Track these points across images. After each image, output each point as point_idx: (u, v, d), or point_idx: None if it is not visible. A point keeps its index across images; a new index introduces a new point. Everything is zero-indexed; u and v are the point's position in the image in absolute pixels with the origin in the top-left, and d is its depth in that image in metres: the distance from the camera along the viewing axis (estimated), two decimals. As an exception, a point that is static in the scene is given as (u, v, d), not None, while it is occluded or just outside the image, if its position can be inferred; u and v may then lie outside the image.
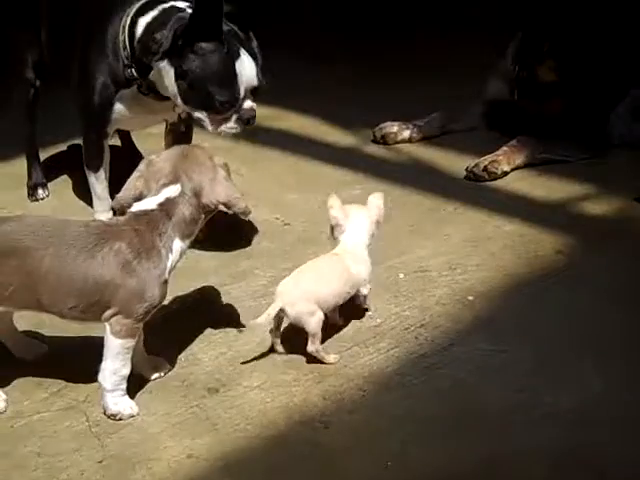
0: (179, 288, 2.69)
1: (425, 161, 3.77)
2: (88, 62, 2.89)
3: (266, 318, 2.40)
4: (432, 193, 3.42)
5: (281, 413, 2.29)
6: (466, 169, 3.54)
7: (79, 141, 3.66)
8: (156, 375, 2.43)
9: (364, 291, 2.60)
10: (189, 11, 2.72)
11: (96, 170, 3.06)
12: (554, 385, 2.36)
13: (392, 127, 3.95)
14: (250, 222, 3.13)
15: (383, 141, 3.92)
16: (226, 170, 2.36)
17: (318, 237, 3.11)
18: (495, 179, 3.51)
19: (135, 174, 2.37)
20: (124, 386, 2.29)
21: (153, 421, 2.28)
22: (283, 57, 4.25)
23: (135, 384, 2.36)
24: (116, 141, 3.59)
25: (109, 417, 2.29)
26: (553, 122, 3.71)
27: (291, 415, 2.28)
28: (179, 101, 2.77)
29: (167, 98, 2.87)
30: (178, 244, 2.28)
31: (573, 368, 2.43)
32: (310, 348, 2.44)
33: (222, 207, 2.31)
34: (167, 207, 2.27)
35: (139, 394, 2.37)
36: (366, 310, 2.67)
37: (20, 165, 3.62)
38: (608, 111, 3.75)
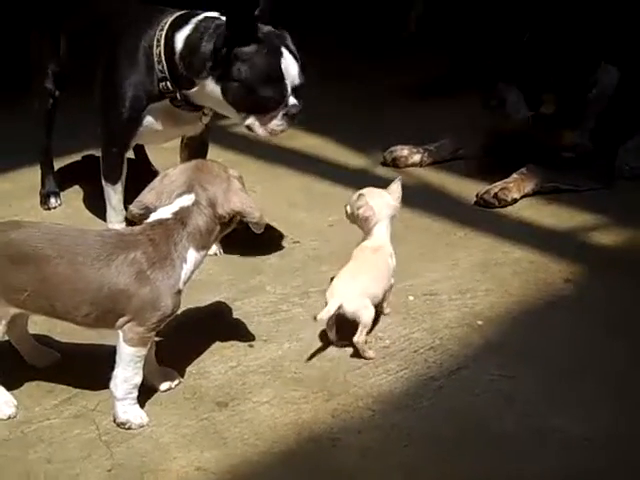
0: (191, 301, 2.71)
1: (435, 185, 3.80)
2: (117, 75, 2.91)
3: (327, 314, 2.50)
4: (442, 217, 3.45)
5: (290, 429, 2.30)
6: (476, 195, 3.57)
7: (93, 151, 3.72)
8: (167, 386, 2.44)
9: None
10: (223, 19, 2.76)
11: (114, 182, 3.08)
12: (561, 411, 2.37)
13: (403, 150, 3.98)
14: (260, 238, 3.15)
15: (393, 164, 3.95)
16: (241, 182, 2.39)
17: (328, 255, 3.14)
18: (505, 206, 3.54)
19: (148, 186, 2.40)
20: (135, 395, 2.30)
21: (163, 432, 2.29)
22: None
23: (146, 395, 2.37)
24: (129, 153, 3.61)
25: (119, 426, 2.30)
26: (562, 151, 3.74)
27: (300, 432, 2.30)
28: (231, 111, 2.81)
29: (198, 109, 2.91)
30: (193, 254, 2.30)
31: (581, 395, 2.44)
32: (358, 339, 2.55)
33: (237, 217, 2.33)
34: (181, 216, 2.29)
35: (149, 404, 2.38)
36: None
37: (34, 174, 3.65)
38: (617, 145, 3.78)
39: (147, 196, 2.36)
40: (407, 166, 3.95)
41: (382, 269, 2.69)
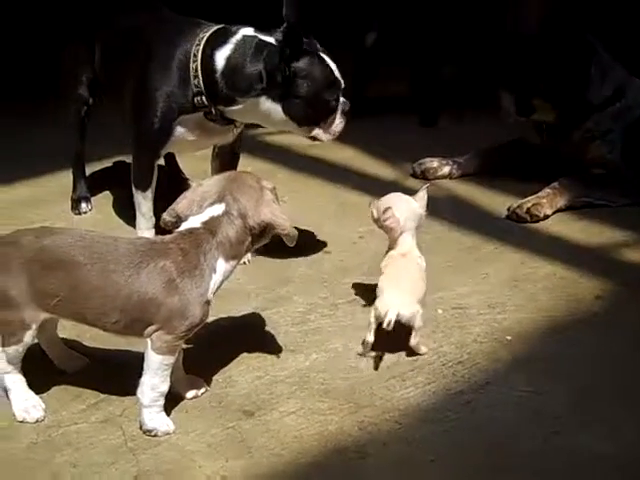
0: (218, 310, 2.71)
1: (464, 198, 3.79)
2: (150, 84, 2.94)
3: (389, 324, 2.53)
4: (472, 231, 3.43)
5: (316, 440, 2.30)
6: (508, 209, 3.55)
7: (124, 158, 3.74)
8: (193, 394, 2.45)
9: None
10: (261, 36, 2.82)
11: (144, 189, 3.10)
12: (589, 429, 2.35)
13: (432, 162, 3.98)
14: (289, 248, 3.15)
15: (423, 176, 3.94)
16: (274, 194, 2.39)
17: (356, 267, 3.14)
18: (537, 221, 3.52)
19: (182, 195, 2.40)
20: (161, 403, 2.31)
21: (189, 440, 2.29)
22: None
23: (172, 402, 2.37)
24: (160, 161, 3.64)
25: (145, 433, 2.31)
26: (591, 167, 3.72)
27: (326, 443, 2.29)
28: (292, 126, 2.89)
29: (231, 122, 2.93)
30: (222, 264, 2.30)
31: (608, 413, 2.41)
32: (413, 342, 2.61)
33: (269, 229, 2.33)
34: (211, 226, 2.30)
35: (175, 412, 2.38)
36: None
37: (65, 179, 3.68)
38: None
39: (179, 204, 2.37)
40: (436, 178, 3.94)
41: (418, 272, 2.72)
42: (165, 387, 2.29)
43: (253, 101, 2.83)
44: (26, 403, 2.35)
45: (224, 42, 2.85)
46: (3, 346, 2.31)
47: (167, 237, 2.33)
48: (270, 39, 2.83)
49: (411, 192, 3.76)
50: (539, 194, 3.58)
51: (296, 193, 3.72)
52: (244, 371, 2.57)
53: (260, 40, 2.82)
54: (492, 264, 3.20)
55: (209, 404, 2.43)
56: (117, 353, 2.54)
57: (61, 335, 2.53)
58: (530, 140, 3.94)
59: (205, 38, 2.87)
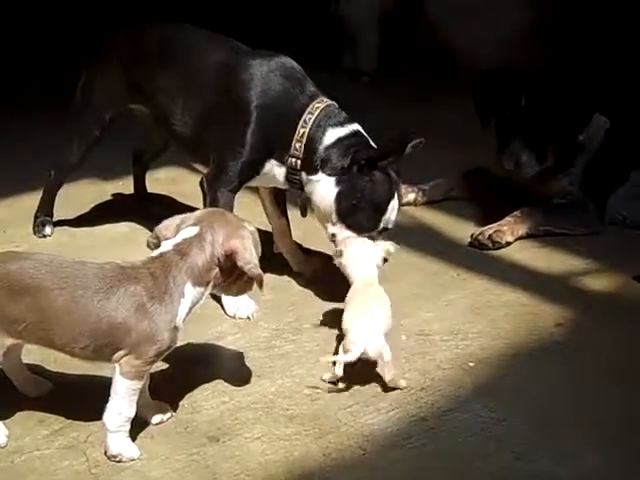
0: (185, 334, 2.69)
1: (429, 225, 3.83)
2: (249, 126, 3.00)
3: (350, 358, 2.53)
4: (436, 257, 3.47)
5: (281, 467, 2.31)
6: (471, 236, 3.60)
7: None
8: (159, 419, 2.44)
9: None
10: (367, 139, 3.01)
11: None
12: (551, 455, 2.38)
13: (398, 189, 4.00)
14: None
15: (388, 202, 3.97)
16: (253, 237, 2.39)
17: (322, 292, 3.15)
18: (499, 248, 3.56)
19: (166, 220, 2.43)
20: (127, 428, 2.30)
21: (153, 465, 2.29)
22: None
23: (137, 427, 2.37)
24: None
25: (109, 458, 2.30)
26: (553, 197, 3.78)
27: (291, 469, 2.30)
28: (327, 213, 2.99)
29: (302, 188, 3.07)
30: (190, 289, 2.31)
31: (570, 440, 2.45)
32: (389, 377, 2.59)
33: (235, 262, 2.32)
34: (181, 247, 2.31)
35: (141, 438, 2.38)
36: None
37: (31, 200, 3.67)
38: (608, 192, 3.82)
39: (160, 226, 2.39)
40: (402, 205, 3.95)
41: (385, 303, 2.72)
42: (132, 412, 2.29)
43: (324, 178, 2.97)
44: (-12, 429, 2.34)
45: (342, 125, 2.99)
46: (-33, 371, 2.30)
47: (138, 261, 2.34)
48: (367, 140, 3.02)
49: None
50: (501, 222, 3.63)
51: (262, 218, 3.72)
52: (210, 396, 2.57)
53: (365, 140, 3.00)
54: (455, 291, 3.24)
55: (174, 429, 2.43)
56: (82, 377, 2.53)
57: (25, 359, 2.51)
58: (492, 169, 3.99)
59: (320, 109, 2.98)
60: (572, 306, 3.14)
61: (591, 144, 3.79)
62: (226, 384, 2.62)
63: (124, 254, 3.24)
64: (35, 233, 3.58)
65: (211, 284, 2.35)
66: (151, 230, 2.44)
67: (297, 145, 2.98)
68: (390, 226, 3.04)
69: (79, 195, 3.88)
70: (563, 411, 2.58)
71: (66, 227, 3.64)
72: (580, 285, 3.33)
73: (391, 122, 4.31)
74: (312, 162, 2.98)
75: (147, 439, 2.39)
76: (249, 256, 2.33)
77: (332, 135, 2.97)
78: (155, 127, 3.36)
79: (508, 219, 3.66)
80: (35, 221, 3.60)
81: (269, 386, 2.63)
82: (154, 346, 2.24)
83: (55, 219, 3.62)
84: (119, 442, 2.30)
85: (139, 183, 3.77)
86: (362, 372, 2.63)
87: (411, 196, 4.00)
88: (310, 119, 2.98)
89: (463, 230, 3.70)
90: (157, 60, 3.24)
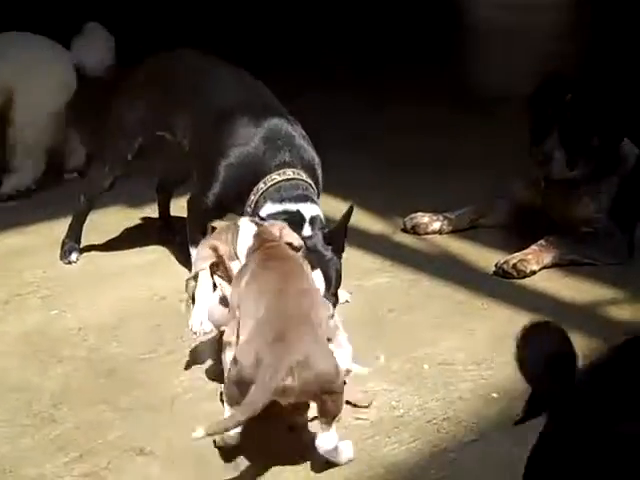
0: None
1: (454, 254, 3.80)
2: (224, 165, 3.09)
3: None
4: (460, 286, 3.44)
5: (301, 496, 2.30)
6: (495, 265, 3.57)
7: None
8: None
9: None
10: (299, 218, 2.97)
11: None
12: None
13: (423, 218, 3.99)
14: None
15: (413, 231, 3.96)
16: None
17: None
18: (523, 277, 3.53)
19: None
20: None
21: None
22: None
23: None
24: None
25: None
26: (579, 226, 3.75)
27: (312, 499, 2.29)
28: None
29: None
30: None
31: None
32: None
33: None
34: None
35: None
36: None
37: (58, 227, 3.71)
38: (636, 220, 3.78)
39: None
40: (427, 233, 3.96)
41: None
42: None
43: None
44: None
45: (280, 201, 2.97)
46: None
47: None
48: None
49: (401, 247, 3.85)
50: (526, 251, 3.61)
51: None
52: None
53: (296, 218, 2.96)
54: (480, 320, 3.22)
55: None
56: (100, 405, 2.54)
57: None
58: (519, 198, 3.97)
59: (275, 181, 3.00)
60: (597, 336, 3.09)
61: (621, 168, 3.76)
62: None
63: (149, 282, 3.29)
64: (61, 259, 3.61)
65: None
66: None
67: (248, 209, 3.04)
68: None
69: (105, 222, 3.90)
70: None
71: (93, 252, 3.67)
72: (606, 315, 3.29)
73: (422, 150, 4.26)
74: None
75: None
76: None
77: (266, 209, 2.99)
78: (179, 154, 3.39)
79: (533, 248, 3.63)
80: (63, 247, 3.62)
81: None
82: None
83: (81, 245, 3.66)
84: None
85: (164, 210, 3.78)
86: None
87: (437, 225, 3.98)
88: (261, 189, 3.02)
89: (489, 259, 3.67)
90: (181, 90, 3.30)
